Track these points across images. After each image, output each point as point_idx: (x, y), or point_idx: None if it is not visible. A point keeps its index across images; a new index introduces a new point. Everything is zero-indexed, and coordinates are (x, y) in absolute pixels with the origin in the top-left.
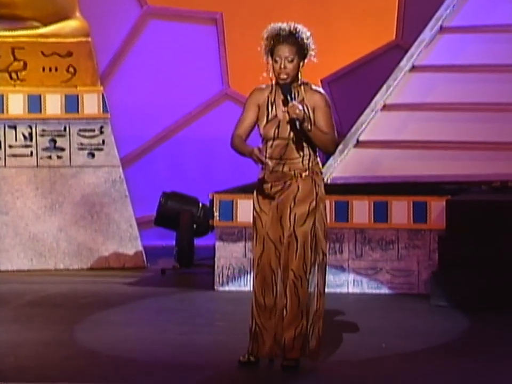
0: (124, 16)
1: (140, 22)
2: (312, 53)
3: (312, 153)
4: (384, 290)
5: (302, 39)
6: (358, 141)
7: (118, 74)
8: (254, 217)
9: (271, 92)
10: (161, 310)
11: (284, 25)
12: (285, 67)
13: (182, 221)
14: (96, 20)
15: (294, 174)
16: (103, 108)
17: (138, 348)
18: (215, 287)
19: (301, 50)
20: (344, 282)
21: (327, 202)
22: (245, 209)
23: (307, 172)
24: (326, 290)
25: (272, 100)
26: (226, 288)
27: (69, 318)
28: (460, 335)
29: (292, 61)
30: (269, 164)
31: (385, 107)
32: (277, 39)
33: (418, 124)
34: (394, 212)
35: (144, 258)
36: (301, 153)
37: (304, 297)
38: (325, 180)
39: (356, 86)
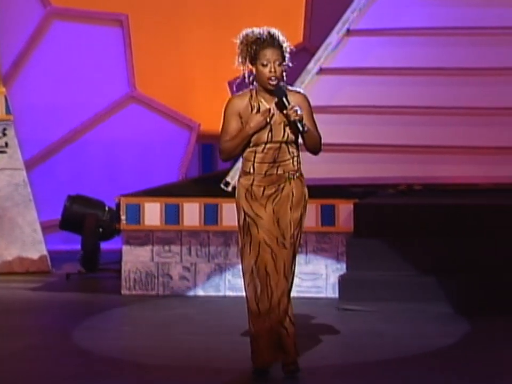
0: (27, 16)
1: (44, 23)
2: (288, 56)
3: (298, 154)
4: (292, 293)
5: (283, 41)
6: None
7: (21, 76)
8: (247, 224)
9: (251, 98)
10: (65, 315)
11: (260, 30)
12: (275, 71)
13: (87, 225)
14: None
15: (288, 176)
16: (5, 109)
17: (41, 355)
18: (122, 292)
19: (283, 54)
20: None
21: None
22: (151, 212)
23: (297, 174)
24: (233, 293)
25: (256, 105)
26: (133, 293)
27: None
28: (368, 337)
29: (280, 64)
30: (271, 109)
31: None
32: (260, 43)
33: (325, 126)
34: None
35: (49, 263)
36: (292, 154)
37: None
38: (233, 183)
39: None
